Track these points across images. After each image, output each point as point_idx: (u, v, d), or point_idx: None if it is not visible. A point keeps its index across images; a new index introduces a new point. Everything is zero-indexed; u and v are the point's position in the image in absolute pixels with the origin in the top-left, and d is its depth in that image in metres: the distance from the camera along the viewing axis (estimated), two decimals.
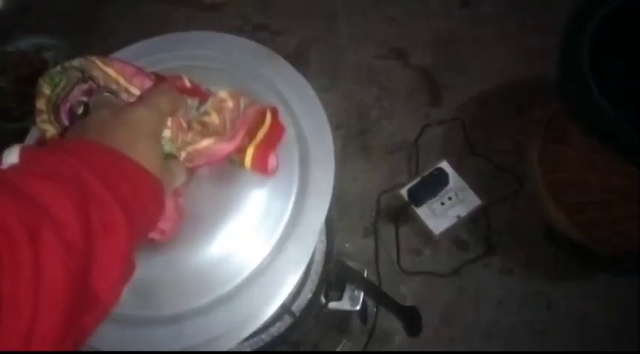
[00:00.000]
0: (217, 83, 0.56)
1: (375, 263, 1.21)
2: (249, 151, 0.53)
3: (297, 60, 1.44)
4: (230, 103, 0.53)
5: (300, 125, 0.60)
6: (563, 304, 1.14)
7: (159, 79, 0.52)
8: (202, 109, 0.52)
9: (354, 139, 1.34)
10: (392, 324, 1.13)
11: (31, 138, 0.66)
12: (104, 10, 1.55)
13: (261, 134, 0.54)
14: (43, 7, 1.59)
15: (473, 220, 1.23)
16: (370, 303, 1.10)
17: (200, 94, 0.54)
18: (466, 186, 1.22)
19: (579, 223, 1.12)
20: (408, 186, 1.20)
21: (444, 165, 1.21)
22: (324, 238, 0.80)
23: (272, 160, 0.54)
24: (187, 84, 0.54)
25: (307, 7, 1.52)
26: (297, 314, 0.75)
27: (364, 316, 1.08)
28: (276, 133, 0.56)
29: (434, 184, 1.19)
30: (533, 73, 1.35)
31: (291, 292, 0.69)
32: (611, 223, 1.06)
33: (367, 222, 1.25)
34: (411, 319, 1.00)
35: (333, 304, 0.87)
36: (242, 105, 0.54)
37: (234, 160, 0.53)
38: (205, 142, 0.50)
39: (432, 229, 1.18)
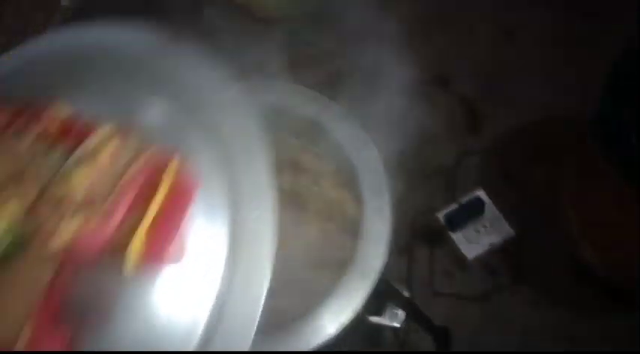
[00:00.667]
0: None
1: (407, 281, 1.26)
2: (139, 235, 0.35)
3: (340, 79, 1.50)
4: (113, 146, 0.36)
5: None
6: (587, 339, 1.18)
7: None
8: (68, 164, 0.34)
9: (394, 162, 1.40)
10: (422, 339, 1.18)
11: None
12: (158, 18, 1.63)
13: (158, 202, 0.37)
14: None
15: (504, 250, 1.27)
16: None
17: (73, 136, 0.36)
18: (500, 216, 1.27)
19: (608, 261, 1.16)
20: (446, 211, 1.26)
21: (481, 194, 1.27)
22: None
23: (176, 244, 0.38)
24: (58, 117, 0.36)
25: (356, 30, 1.57)
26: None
27: (398, 335, 1.13)
28: (182, 199, 0.38)
29: (470, 211, 1.24)
30: (574, 110, 1.40)
31: None
32: None
33: (402, 241, 1.30)
34: (443, 339, 1.06)
35: (373, 319, 0.92)
36: (132, 150, 0.37)
37: (114, 250, 0.34)
38: (67, 225, 0.32)
39: (465, 254, 1.24)
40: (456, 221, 1.24)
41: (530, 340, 1.19)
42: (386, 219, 0.65)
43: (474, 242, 1.24)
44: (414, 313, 1.00)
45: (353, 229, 0.70)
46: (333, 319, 0.60)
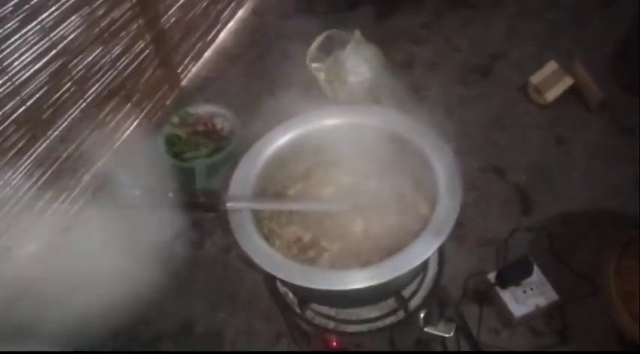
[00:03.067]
0: None
1: (456, 336, 1.37)
2: None
3: None
4: None
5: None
6: None
7: None
8: None
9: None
10: None
11: None
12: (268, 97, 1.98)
13: None
14: (217, 85, 2.06)
15: (549, 314, 1.38)
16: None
17: None
18: (547, 282, 1.39)
19: None
20: (496, 271, 1.40)
21: (531, 258, 1.41)
22: (436, 265, 1.03)
23: None
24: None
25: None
26: (409, 312, 0.95)
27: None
28: None
29: (520, 271, 1.37)
30: (615, 204, 1.58)
31: (411, 292, 0.92)
32: None
33: (453, 297, 1.43)
34: None
35: (429, 328, 1.05)
36: None
37: None
38: None
39: (512, 312, 1.35)
40: (506, 278, 1.37)
41: None
42: (454, 211, 0.82)
43: (521, 302, 1.36)
44: (467, 334, 1.12)
45: (423, 223, 0.88)
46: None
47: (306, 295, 0.94)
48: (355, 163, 1.02)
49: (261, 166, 0.95)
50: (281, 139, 0.98)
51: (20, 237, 1.48)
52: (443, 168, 0.90)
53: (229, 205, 0.84)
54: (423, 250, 0.79)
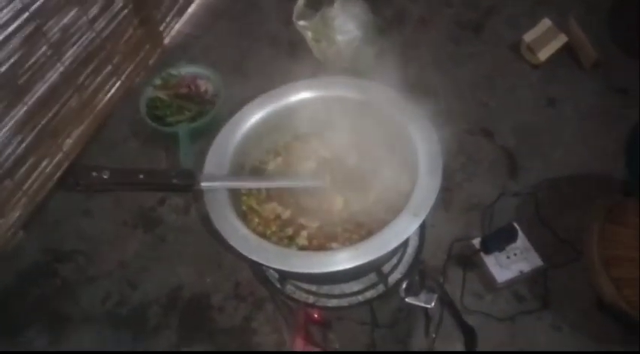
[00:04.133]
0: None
1: (440, 298, 1.38)
2: None
3: None
4: None
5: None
6: None
7: None
8: None
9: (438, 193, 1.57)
10: (448, 348, 1.29)
11: None
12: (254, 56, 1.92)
13: None
14: (202, 44, 2.00)
15: (532, 279, 1.39)
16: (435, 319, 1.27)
17: None
18: (531, 247, 1.40)
19: (627, 296, 1.26)
20: (481, 236, 1.40)
21: (516, 225, 1.41)
22: (417, 238, 1.02)
23: None
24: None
25: (411, 81, 1.81)
26: (389, 285, 0.95)
27: (427, 329, 1.25)
28: None
29: (504, 237, 1.38)
30: (604, 169, 1.57)
31: (392, 266, 0.92)
32: None
33: (438, 263, 1.44)
34: (470, 335, 1.17)
35: (410, 299, 1.06)
36: None
37: None
38: None
39: (495, 277, 1.36)
40: (490, 245, 1.37)
41: None
42: (434, 189, 0.81)
43: (504, 267, 1.37)
44: (448, 301, 1.13)
45: (403, 199, 0.86)
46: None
47: (285, 274, 0.94)
48: (335, 138, 1.00)
49: (238, 141, 0.93)
50: (258, 113, 0.96)
51: (2, 206, 1.46)
52: (425, 146, 0.88)
53: (204, 184, 0.83)
54: (401, 231, 0.78)
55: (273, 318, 1.36)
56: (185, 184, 0.80)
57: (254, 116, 0.94)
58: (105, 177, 0.74)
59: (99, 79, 1.69)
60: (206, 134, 1.73)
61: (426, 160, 0.86)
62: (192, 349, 1.36)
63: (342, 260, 0.76)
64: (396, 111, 0.93)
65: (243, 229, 0.81)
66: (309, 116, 0.98)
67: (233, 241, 0.79)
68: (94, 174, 0.74)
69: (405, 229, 0.79)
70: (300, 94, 0.97)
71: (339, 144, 1.01)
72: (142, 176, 0.76)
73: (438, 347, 1.30)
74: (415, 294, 1.05)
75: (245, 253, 0.78)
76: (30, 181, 1.53)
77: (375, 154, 0.99)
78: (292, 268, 0.76)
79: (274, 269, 0.93)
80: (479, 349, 1.20)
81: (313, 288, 0.96)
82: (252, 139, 0.96)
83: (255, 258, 0.78)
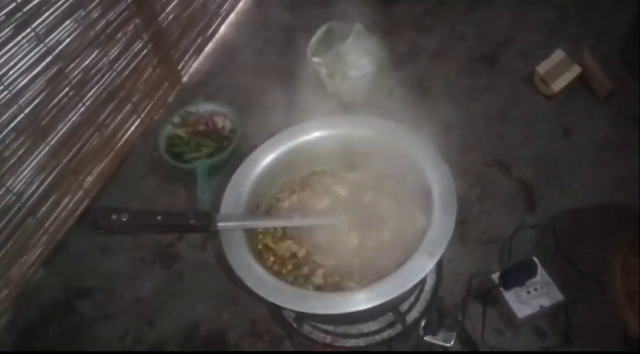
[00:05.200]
0: None
1: (459, 335, 1.36)
2: None
3: None
4: None
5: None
6: None
7: None
8: None
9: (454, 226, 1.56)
10: None
11: None
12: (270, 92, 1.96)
13: None
14: (219, 81, 2.04)
15: (554, 314, 1.36)
16: None
17: None
18: (551, 282, 1.37)
19: None
20: (500, 271, 1.38)
21: (535, 259, 1.39)
22: (434, 275, 1.02)
23: None
24: None
25: (426, 115, 1.82)
26: (407, 324, 0.94)
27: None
28: None
29: (524, 272, 1.36)
30: (624, 199, 1.55)
31: (409, 304, 0.91)
32: None
33: (457, 298, 1.42)
34: None
35: (428, 338, 1.05)
36: None
37: None
38: None
39: (516, 313, 1.34)
40: (510, 279, 1.35)
41: None
42: (449, 227, 0.81)
43: (525, 302, 1.35)
44: (468, 340, 1.11)
45: (419, 235, 0.86)
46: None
47: (302, 314, 0.94)
48: (350, 175, 1.01)
49: (253, 180, 0.95)
50: (273, 152, 0.97)
51: (24, 244, 1.49)
52: (438, 183, 0.88)
53: (220, 225, 0.84)
54: (417, 272, 0.78)
55: None
56: (202, 225, 0.81)
57: (269, 155, 0.96)
58: (124, 219, 0.76)
59: (119, 117, 1.73)
60: (224, 170, 1.77)
61: (441, 197, 0.86)
62: None
63: (359, 301, 0.76)
64: (409, 148, 0.94)
65: (259, 270, 0.82)
66: (324, 154, 1.00)
67: (250, 283, 0.80)
68: (114, 217, 0.76)
69: (421, 268, 0.78)
70: (315, 133, 0.99)
71: (354, 182, 1.02)
72: (159, 218, 0.78)
73: None
74: (434, 333, 1.04)
75: (262, 294, 0.78)
76: (51, 219, 1.56)
77: (390, 192, 0.99)
78: (309, 309, 0.76)
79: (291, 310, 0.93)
80: None
81: (330, 328, 0.96)
82: (268, 178, 0.97)
83: (271, 300, 0.78)
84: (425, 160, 0.91)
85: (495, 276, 1.40)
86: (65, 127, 1.55)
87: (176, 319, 1.47)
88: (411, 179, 0.93)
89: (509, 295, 1.37)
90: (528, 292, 1.36)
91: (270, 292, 0.78)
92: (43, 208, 1.53)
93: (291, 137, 0.98)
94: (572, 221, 1.54)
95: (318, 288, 0.88)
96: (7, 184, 1.41)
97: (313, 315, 0.81)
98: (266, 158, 0.96)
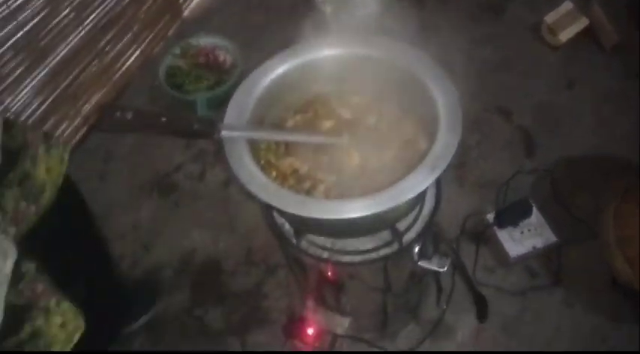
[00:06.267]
0: None
1: (451, 272, 1.38)
2: None
3: None
4: None
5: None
6: (619, 342, 1.25)
7: None
8: None
9: (452, 168, 1.56)
10: (458, 320, 1.29)
11: None
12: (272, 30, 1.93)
13: None
14: (220, 17, 2.00)
15: (546, 255, 1.39)
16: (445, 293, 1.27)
17: None
18: (545, 223, 1.39)
19: None
20: (495, 210, 1.40)
21: (530, 200, 1.40)
22: (433, 199, 1.02)
23: None
24: None
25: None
26: (404, 244, 0.95)
27: (438, 298, 1.25)
28: None
29: (519, 212, 1.37)
30: (621, 151, 1.55)
31: (407, 225, 0.92)
32: None
33: (452, 235, 1.43)
34: (480, 302, 1.17)
35: (423, 262, 1.06)
36: None
37: None
38: None
39: (508, 252, 1.36)
40: (504, 218, 1.37)
41: (562, 338, 1.28)
42: (453, 143, 0.81)
43: (517, 242, 1.37)
44: (460, 266, 1.13)
45: (421, 158, 0.86)
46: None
47: (302, 225, 0.95)
48: (355, 96, 1.00)
49: (258, 96, 0.93)
50: (278, 68, 0.95)
51: None
52: (445, 103, 0.87)
53: (224, 132, 0.83)
54: (418, 184, 0.78)
55: (285, 283, 1.37)
56: (206, 130, 0.80)
57: (275, 71, 0.94)
58: (128, 118, 0.75)
59: (119, 46, 1.70)
60: (223, 104, 1.75)
61: (446, 115, 0.86)
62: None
63: (358, 208, 0.76)
64: (416, 67, 0.92)
65: (262, 178, 0.82)
66: (330, 74, 0.98)
67: (252, 188, 0.79)
68: (118, 114, 0.75)
69: (421, 181, 0.78)
70: (322, 51, 0.97)
71: (358, 104, 1.01)
72: (164, 119, 0.77)
73: (448, 319, 1.30)
74: (428, 258, 1.05)
75: (264, 198, 0.78)
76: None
77: (394, 115, 0.98)
78: (310, 213, 0.76)
79: (291, 218, 0.93)
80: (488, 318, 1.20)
81: (328, 244, 0.97)
82: (272, 95, 0.96)
83: (275, 204, 0.78)
84: (431, 79, 0.90)
85: (490, 216, 1.42)
86: (64, 50, 1.52)
87: (172, 245, 1.49)
88: (416, 101, 0.92)
89: (503, 235, 1.39)
90: (522, 233, 1.38)
91: (272, 196, 0.78)
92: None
93: (297, 55, 0.97)
94: (570, 169, 1.55)
95: None
96: (6, 103, 1.39)
97: (314, 221, 0.82)
98: (271, 74, 0.94)
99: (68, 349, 0.80)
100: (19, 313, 0.73)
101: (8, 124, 0.80)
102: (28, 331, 0.73)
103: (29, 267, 0.78)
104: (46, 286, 0.80)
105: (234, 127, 0.87)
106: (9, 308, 0.70)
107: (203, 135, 0.82)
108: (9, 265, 0.70)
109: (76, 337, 0.82)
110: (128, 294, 1.33)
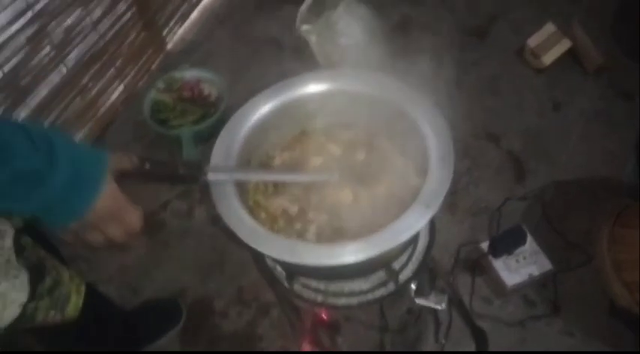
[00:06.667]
0: None
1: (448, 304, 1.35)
2: None
3: None
4: None
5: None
6: None
7: None
8: None
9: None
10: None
11: None
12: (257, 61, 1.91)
13: None
14: (204, 49, 1.99)
15: (542, 283, 1.36)
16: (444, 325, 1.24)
17: None
18: (540, 251, 1.37)
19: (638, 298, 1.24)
20: (489, 239, 1.38)
21: (524, 227, 1.38)
22: (427, 235, 1.00)
23: None
24: None
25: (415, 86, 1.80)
26: (400, 284, 0.93)
27: (437, 334, 1.22)
28: None
29: (513, 239, 1.35)
30: (610, 172, 1.55)
31: (402, 264, 0.90)
32: None
33: (446, 268, 1.41)
34: (479, 335, 1.14)
35: (420, 300, 1.03)
36: None
37: None
38: None
39: (505, 281, 1.33)
40: (499, 247, 1.35)
41: None
42: (447, 179, 0.79)
43: (513, 271, 1.34)
44: (459, 303, 1.10)
45: (413, 193, 0.84)
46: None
47: (294, 269, 0.92)
48: (343, 132, 0.98)
49: (244, 134, 0.91)
50: (265, 106, 0.93)
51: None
52: (435, 136, 0.86)
53: (211, 175, 0.80)
54: (413, 223, 0.76)
55: (279, 323, 1.33)
56: (191, 174, 0.78)
57: (262, 108, 0.92)
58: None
59: (102, 81, 1.68)
60: (211, 137, 1.72)
61: (437, 150, 0.84)
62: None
63: (353, 252, 0.74)
64: (404, 102, 0.91)
65: (251, 222, 0.79)
66: (317, 110, 0.96)
67: (242, 234, 0.76)
68: None
69: (416, 221, 0.76)
70: (309, 87, 0.95)
71: (347, 139, 0.99)
72: (148, 166, 0.74)
73: None
74: (425, 295, 1.02)
75: (254, 245, 0.75)
76: None
77: (384, 149, 0.96)
78: (302, 260, 0.73)
79: (283, 264, 0.90)
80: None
81: (322, 286, 0.93)
82: (259, 134, 0.94)
83: (265, 251, 0.75)
84: (420, 113, 0.88)
85: (484, 245, 1.40)
86: (46, 89, 1.49)
87: (161, 287, 1.44)
88: (406, 135, 0.90)
89: (498, 264, 1.36)
90: (517, 261, 1.36)
91: (263, 243, 0.75)
92: None
93: (284, 91, 0.95)
94: (560, 192, 1.54)
95: None
96: None
97: (307, 268, 0.79)
98: (258, 111, 0.92)
99: (81, 300, 0.89)
100: (38, 267, 0.82)
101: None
102: (49, 282, 0.82)
103: (27, 240, 0.84)
104: (45, 252, 0.87)
105: (221, 168, 0.85)
106: (28, 268, 0.79)
107: (189, 179, 0.80)
108: (8, 241, 0.76)
109: (83, 290, 0.90)
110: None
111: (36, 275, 0.80)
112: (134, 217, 0.70)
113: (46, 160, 0.58)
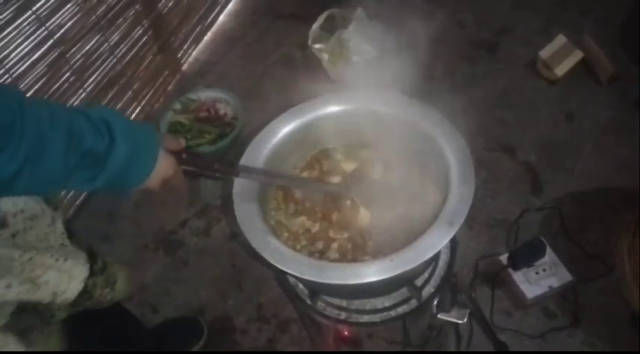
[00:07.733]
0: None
1: (469, 322, 1.35)
2: None
3: None
4: None
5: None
6: None
7: None
8: None
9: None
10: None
11: None
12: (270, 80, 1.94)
13: None
14: (219, 70, 2.02)
15: (562, 295, 1.36)
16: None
17: None
18: (559, 262, 1.37)
19: None
20: (509, 251, 1.38)
21: (543, 239, 1.38)
22: (448, 251, 1.01)
23: None
24: None
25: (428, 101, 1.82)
26: (422, 300, 0.93)
27: (458, 348, 1.22)
28: None
29: (532, 252, 1.35)
30: (626, 181, 1.55)
31: (424, 280, 0.91)
32: None
33: (465, 281, 1.41)
34: (501, 349, 1.14)
35: (442, 315, 1.03)
36: None
37: None
38: None
39: (525, 293, 1.33)
40: (519, 260, 1.35)
41: None
42: (469, 196, 0.81)
43: (533, 283, 1.34)
44: (480, 316, 1.11)
45: (433, 211, 0.85)
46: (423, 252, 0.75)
47: (318, 288, 0.93)
48: (362, 150, 1.00)
49: (264, 158, 0.93)
50: (284, 129, 0.96)
51: None
52: (455, 154, 0.88)
53: (242, 175, 0.81)
54: (436, 241, 0.77)
55: (299, 339, 1.34)
56: (225, 170, 0.79)
57: (279, 133, 0.94)
58: None
59: (120, 104, 1.71)
60: (227, 156, 1.75)
61: (458, 168, 0.86)
62: None
63: (378, 271, 0.75)
64: (423, 121, 0.93)
65: (275, 242, 0.80)
66: (335, 130, 0.98)
67: (267, 255, 0.78)
68: None
69: (440, 238, 0.77)
70: (327, 108, 0.97)
71: (365, 158, 1.01)
72: (184, 156, 0.75)
73: None
74: (447, 310, 1.02)
75: (279, 265, 0.77)
76: None
77: (401, 167, 0.98)
78: (327, 279, 0.75)
79: (307, 282, 0.91)
80: None
81: (344, 304, 0.94)
82: (279, 155, 0.96)
83: (289, 271, 0.76)
84: (439, 131, 0.90)
85: (503, 257, 1.40)
86: None
87: (180, 304, 1.46)
88: (425, 153, 0.92)
89: (518, 276, 1.36)
90: (537, 273, 1.36)
91: (287, 263, 0.77)
92: None
93: (303, 113, 0.97)
94: (577, 203, 1.54)
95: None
96: None
97: (331, 286, 0.80)
98: (277, 135, 0.94)
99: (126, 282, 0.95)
100: (89, 249, 0.86)
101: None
102: (100, 263, 0.87)
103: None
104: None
105: (251, 169, 0.89)
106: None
107: (221, 176, 0.81)
108: (60, 226, 0.81)
109: (125, 273, 0.95)
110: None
111: (90, 256, 0.87)
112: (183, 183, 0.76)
113: (106, 139, 0.63)
